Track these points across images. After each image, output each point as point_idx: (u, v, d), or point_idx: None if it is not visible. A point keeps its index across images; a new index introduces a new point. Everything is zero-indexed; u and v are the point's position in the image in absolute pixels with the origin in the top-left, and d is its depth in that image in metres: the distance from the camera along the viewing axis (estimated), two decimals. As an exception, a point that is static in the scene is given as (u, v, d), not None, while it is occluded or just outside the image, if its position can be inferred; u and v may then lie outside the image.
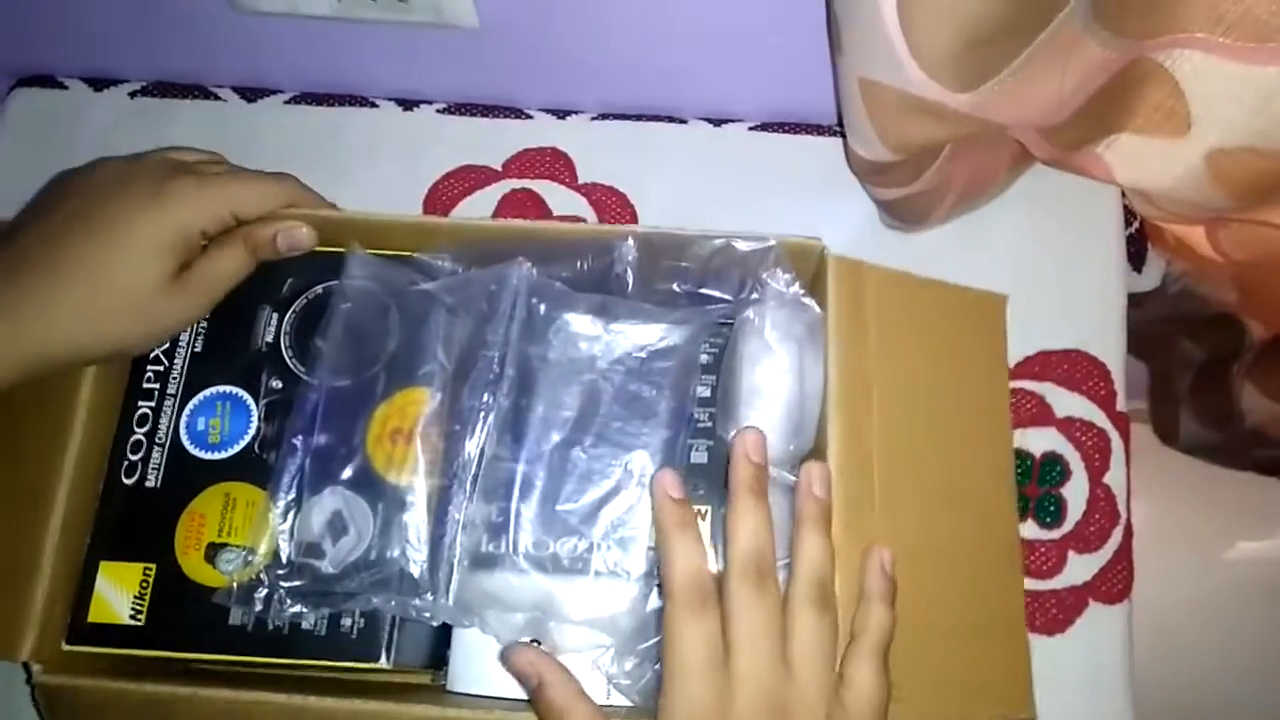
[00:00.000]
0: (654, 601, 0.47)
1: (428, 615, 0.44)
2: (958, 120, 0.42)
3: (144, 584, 0.46)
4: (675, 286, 0.48)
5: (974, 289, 0.51)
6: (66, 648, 0.45)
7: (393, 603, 0.44)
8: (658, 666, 0.44)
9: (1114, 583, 0.56)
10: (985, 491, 0.49)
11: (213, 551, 0.46)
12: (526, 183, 0.63)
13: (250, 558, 0.45)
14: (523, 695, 0.46)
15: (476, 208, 0.62)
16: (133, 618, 0.45)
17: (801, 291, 0.47)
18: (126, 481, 0.47)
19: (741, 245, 0.47)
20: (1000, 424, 0.50)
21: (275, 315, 0.50)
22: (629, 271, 0.48)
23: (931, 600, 0.45)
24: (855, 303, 0.48)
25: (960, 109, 0.41)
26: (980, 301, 0.52)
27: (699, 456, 0.48)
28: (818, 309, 0.47)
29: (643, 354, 0.49)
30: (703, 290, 0.48)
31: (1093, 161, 0.45)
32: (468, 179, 0.63)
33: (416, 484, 0.46)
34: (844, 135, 0.52)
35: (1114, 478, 0.58)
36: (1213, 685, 1.00)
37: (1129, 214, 0.62)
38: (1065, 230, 0.62)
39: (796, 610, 0.41)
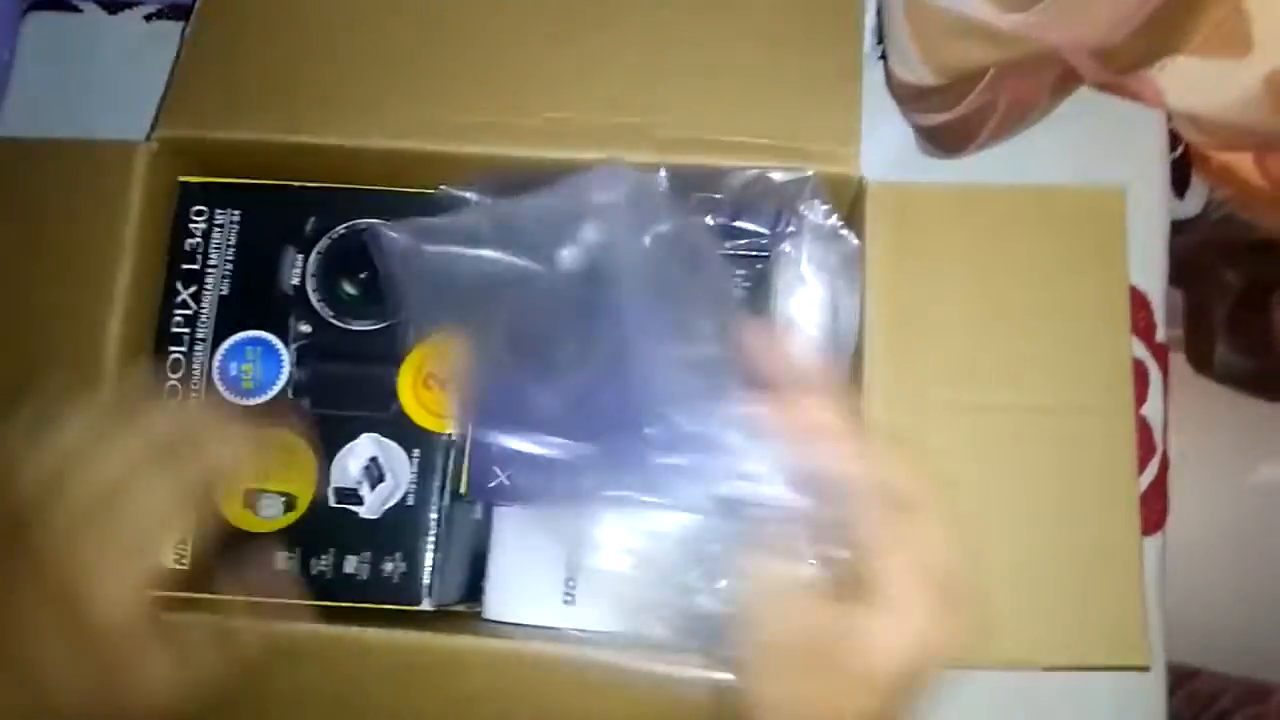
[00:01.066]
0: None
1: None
2: (1008, 42, 0.40)
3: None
4: (708, 220, 0.46)
5: (1081, 187, 0.47)
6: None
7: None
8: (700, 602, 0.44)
9: (1149, 515, 0.56)
10: (1092, 418, 0.45)
11: (252, 497, 0.46)
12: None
13: (290, 503, 0.46)
14: (555, 623, 0.47)
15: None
16: (177, 562, 0.46)
17: (839, 223, 0.45)
18: (163, 427, 0.47)
19: (777, 176, 0.46)
20: (1116, 338, 0.45)
21: (300, 256, 0.49)
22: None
23: (1032, 538, 0.44)
24: (899, 229, 0.46)
25: (1013, 30, 0.39)
26: (1088, 200, 0.47)
27: (735, 393, 0.48)
28: (855, 240, 0.46)
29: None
30: (736, 224, 0.47)
31: (1145, 85, 0.43)
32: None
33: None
34: (884, 58, 0.50)
35: (1151, 410, 0.57)
36: (1245, 614, 1.01)
37: (1173, 139, 0.60)
38: (1108, 156, 0.59)
39: None
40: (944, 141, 0.57)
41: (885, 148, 0.59)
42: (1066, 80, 0.56)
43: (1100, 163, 0.59)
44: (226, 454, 0.39)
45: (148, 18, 0.66)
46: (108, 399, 0.39)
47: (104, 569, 0.35)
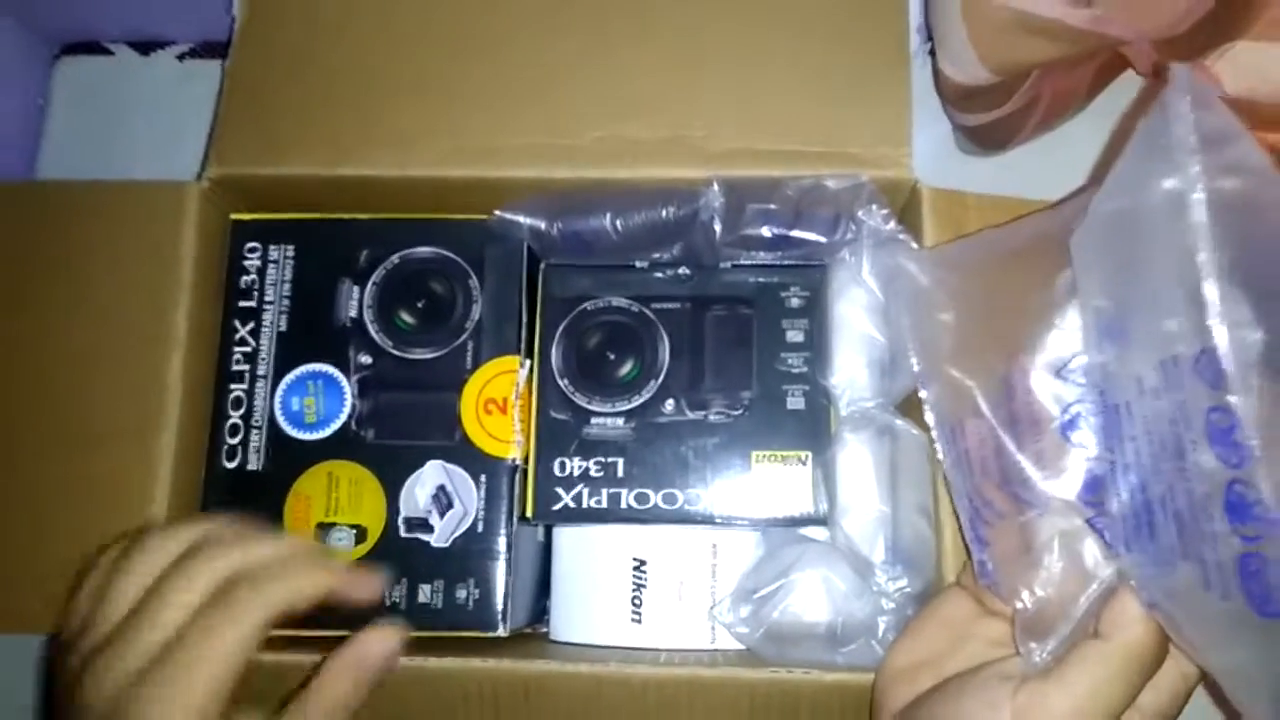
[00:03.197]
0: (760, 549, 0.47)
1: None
2: (1074, 37, 0.39)
3: (258, 566, 0.46)
4: (765, 231, 0.46)
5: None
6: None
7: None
8: (776, 615, 0.44)
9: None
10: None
11: (322, 531, 0.46)
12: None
13: (361, 535, 0.46)
14: (624, 642, 0.47)
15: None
16: (251, 600, 0.46)
17: (898, 228, 0.45)
18: (228, 465, 0.47)
19: (832, 184, 0.46)
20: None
21: (356, 288, 0.49)
22: (715, 219, 0.46)
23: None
24: (955, 235, 0.46)
25: (1080, 24, 0.38)
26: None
27: (795, 403, 0.47)
28: (914, 245, 0.46)
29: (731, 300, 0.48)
30: (794, 233, 0.46)
31: (1202, 73, 0.43)
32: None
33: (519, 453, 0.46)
34: (933, 57, 0.49)
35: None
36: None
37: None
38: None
39: None
40: (988, 139, 0.57)
41: (923, 147, 0.58)
42: (1106, 72, 0.56)
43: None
44: (288, 580, 0.35)
45: (180, 57, 0.67)
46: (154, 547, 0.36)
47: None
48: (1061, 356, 0.34)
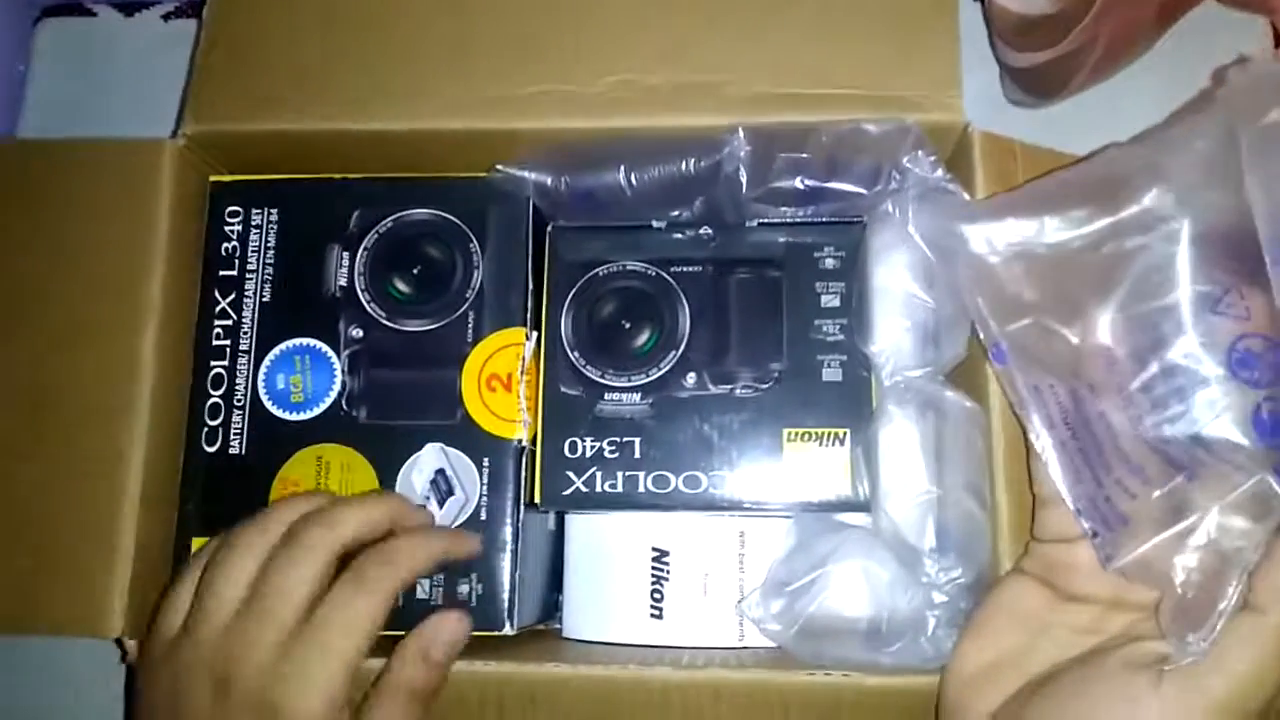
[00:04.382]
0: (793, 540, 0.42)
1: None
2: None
3: (241, 559, 0.42)
4: (798, 183, 0.41)
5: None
6: (169, 631, 0.42)
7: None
8: (812, 610, 0.40)
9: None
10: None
11: (311, 520, 0.42)
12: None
13: (352, 525, 0.42)
14: (644, 640, 0.43)
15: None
16: (235, 596, 0.42)
17: (947, 176, 0.40)
18: (208, 449, 0.43)
19: (872, 129, 0.41)
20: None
21: (346, 255, 0.44)
22: (741, 170, 0.42)
23: None
24: (1006, 187, 0.41)
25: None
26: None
27: (831, 374, 0.43)
28: (965, 196, 0.41)
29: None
30: (829, 185, 0.41)
31: None
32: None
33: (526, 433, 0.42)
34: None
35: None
36: None
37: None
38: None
39: None
40: (1040, 84, 0.52)
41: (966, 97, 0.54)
42: (1168, 9, 0.51)
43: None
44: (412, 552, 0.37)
45: (165, 17, 0.64)
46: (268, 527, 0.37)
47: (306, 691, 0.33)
48: (1208, 291, 0.30)
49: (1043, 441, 0.34)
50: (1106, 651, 0.32)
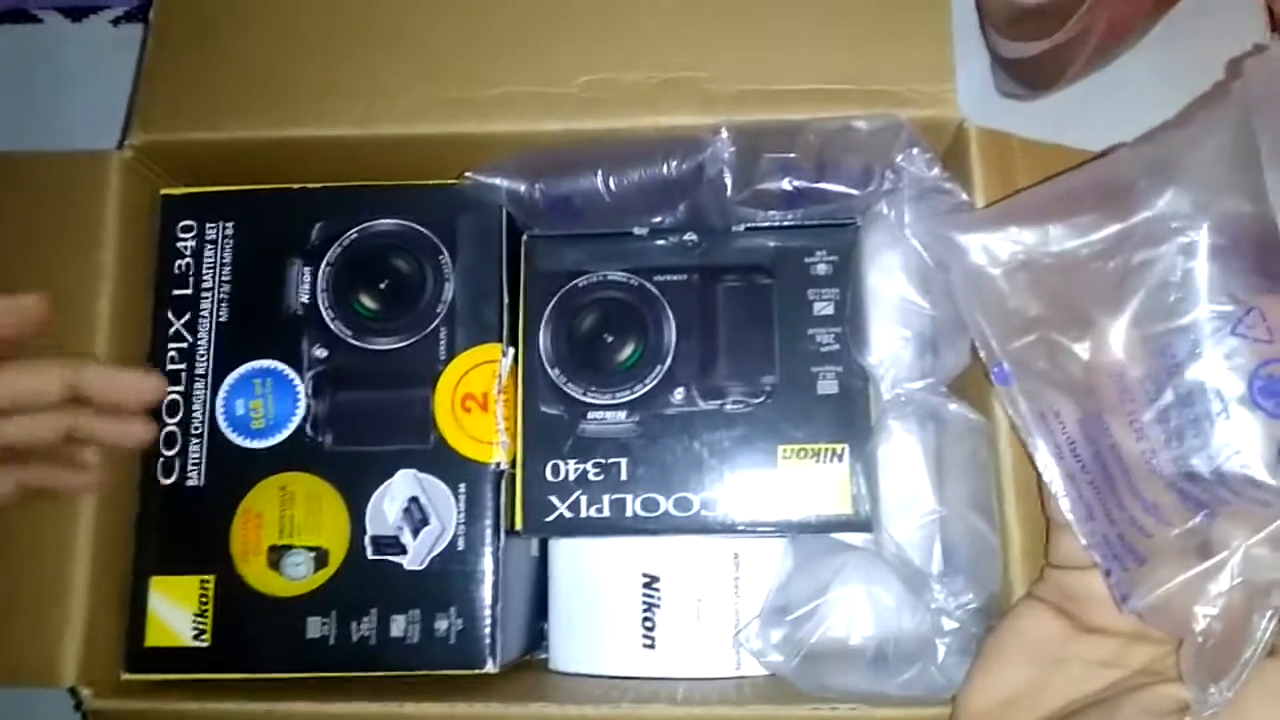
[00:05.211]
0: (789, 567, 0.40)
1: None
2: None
3: (203, 599, 0.39)
4: (786, 184, 0.39)
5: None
6: (125, 676, 0.40)
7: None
8: (814, 640, 0.37)
9: None
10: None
11: (276, 555, 0.39)
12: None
13: (321, 559, 0.39)
14: (636, 671, 0.40)
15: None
16: (196, 638, 0.39)
17: (944, 175, 0.38)
18: (164, 481, 0.41)
19: (862, 126, 0.39)
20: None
21: (307, 270, 0.42)
22: (725, 172, 0.39)
23: None
24: (1006, 185, 0.39)
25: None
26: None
27: (827, 386, 0.40)
28: (963, 195, 0.39)
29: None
30: (820, 185, 0.39)
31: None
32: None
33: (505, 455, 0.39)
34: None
35: None
36: None
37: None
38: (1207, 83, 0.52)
39: None
40: (1033, 76, 0.50)
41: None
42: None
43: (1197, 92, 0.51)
44: None
45: (115, 22, 0.61)
46: None
47: None
48: (1225, 312, 0.28)
49: (1050, 473, 0.32)
50: (1125, 695, 0.30)
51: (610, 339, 0.42)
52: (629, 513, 0.40)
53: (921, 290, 0.39)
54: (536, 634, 0.45)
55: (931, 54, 0.41)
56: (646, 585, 0.41)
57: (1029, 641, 0.33)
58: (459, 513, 0.39)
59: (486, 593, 0.39)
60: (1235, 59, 0.32)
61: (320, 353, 0.41)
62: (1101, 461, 0.30)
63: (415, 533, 0.39)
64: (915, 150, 0.38)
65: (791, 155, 0.39)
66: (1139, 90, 0.51)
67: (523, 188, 0.41)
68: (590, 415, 0.41)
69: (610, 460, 0.40)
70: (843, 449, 0.40)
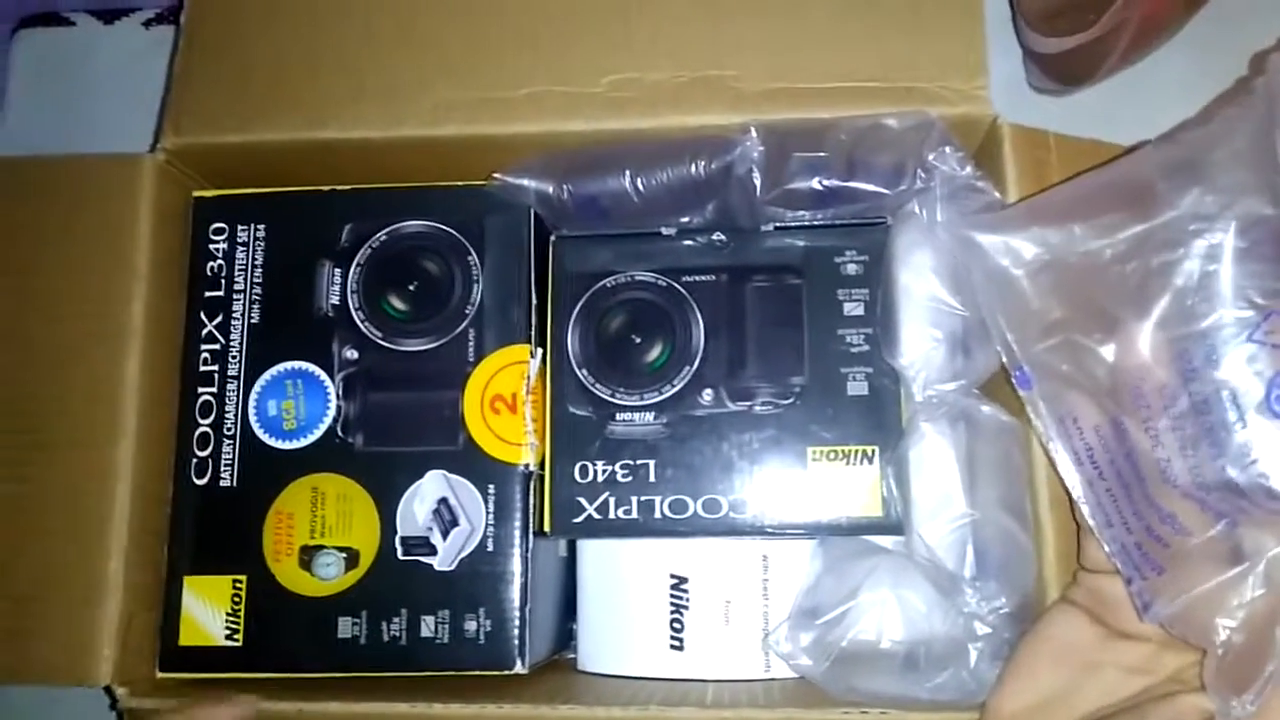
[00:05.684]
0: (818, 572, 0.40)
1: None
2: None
3: (236, 599, 0.40)
4: (815, 183, 0.39)
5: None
6: (160, 675, 0.40)
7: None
8: (845, 643, 0.37)
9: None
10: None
11: (307, 555, 0.40)
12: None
13: (352, 559, 0.39)
14: (664, 673, 0.40)
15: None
16: (229, 638, 0.40)
17: (976, 173, 0.37)
18: (198, 482, 0.41)
19: (893, 123, 0.38)
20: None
21: (338, 271, 0.42)
22: (754, 171, 0.39)
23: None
24: (1040, 181, 0.38)
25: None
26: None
27: (857, 387, 0.40)
28: (996, 194, 0.38)
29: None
30: (851, 184, 0.39)
31: None
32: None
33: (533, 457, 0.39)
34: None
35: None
36: None
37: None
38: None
39: None
40: (1068, 70, 0.49)
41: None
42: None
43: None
44: None
45: (146, 24, 0.62)
46: None
47: None
48: (1243, 318, 0.27)
49: (1071, 479, 0.31)
50: (1153, 703, 0.29)
51: (638, 340, 0.41)
52: (657, 514, 0.40)
53: (953, 290, 0.39)
54: (565, 634, 0.45)
55: (963, 50, 0.40)
56: (675, 586, 0.41)
57: (1061, 646, 0.32)
58: (488, 514, 0.39)
59: (515, 594, 0.39)
60: (1259, 54, 0.31)
61: (351, 354, 0.41)
62: (1117, 469, 0.29)
63: (445, 534, 0.39)
64: (947, 148, 0.37)
65: (821, 154, 0.39)
66: (1176, 84, 0.50)
67: (550, 188, 0.41)
68: (619, 416, 0.41)
69: (639, 462, 0.40)
70: (873, 451, 0.39)
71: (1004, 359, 0.34)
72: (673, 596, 0.41)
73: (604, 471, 0.40)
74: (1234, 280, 0.29)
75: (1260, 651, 0.26)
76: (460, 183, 0.43)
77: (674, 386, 0.41)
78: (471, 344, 0.41)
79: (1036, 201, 0.37)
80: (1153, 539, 0.28)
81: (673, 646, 0.41)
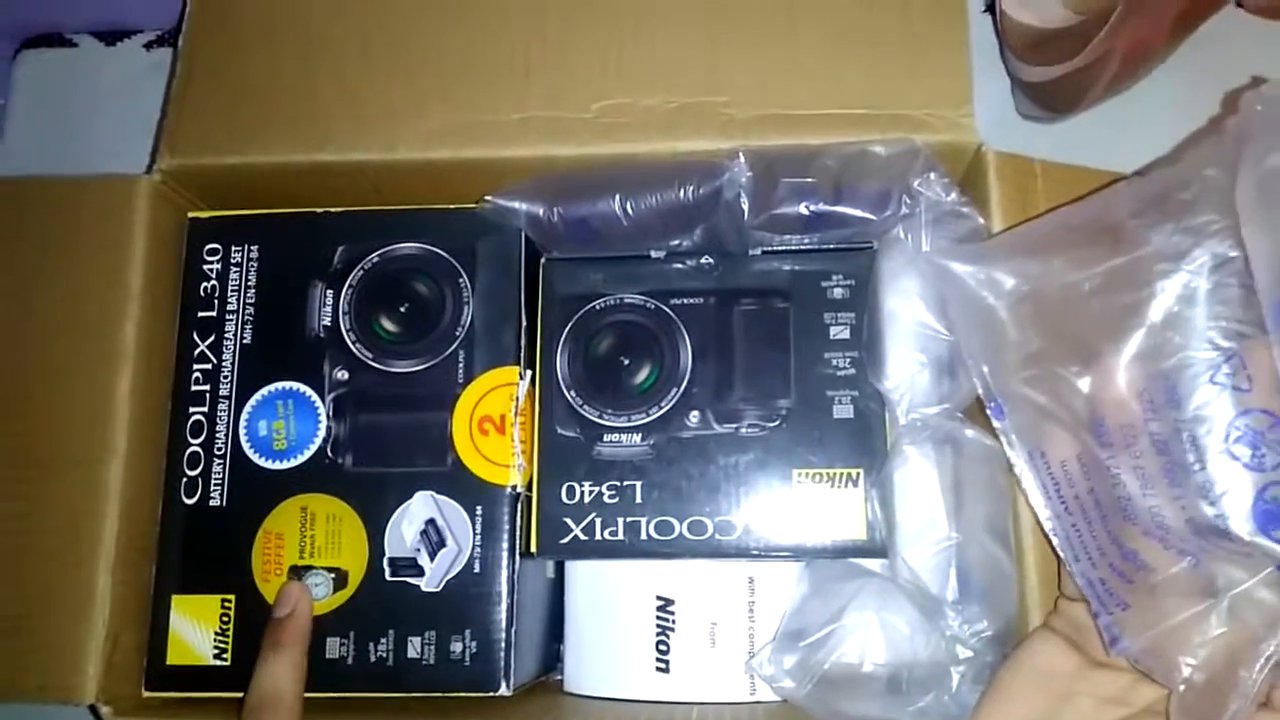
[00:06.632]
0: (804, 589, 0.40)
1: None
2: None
3: (224, 618, 0.40)
4: (802, 208, 0.39)
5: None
6: (146, 694, 0.40)
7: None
8: (828, 666, 0.37)
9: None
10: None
11: (296, 575, 0.40)
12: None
13: (340, 579, 0.39)
14: (649, 695, 0.40)
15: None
16: (217, 657, 0.40)
17: (961, 199, 0.38)
18: (187, 501, 0.41)
19: (880, 150, 0.39)
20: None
21: (329, 293, 0.42)
22: (743, 196, 0.39)
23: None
24: (1025, 209, 0.39)
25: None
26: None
27: (842, 411, 0.40)
28: (981, 220, 0.38)
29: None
30: (836, 210, 0.39)
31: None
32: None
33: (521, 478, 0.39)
34: (991, 10, 0.42)
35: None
36: None
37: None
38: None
39: None
40: (1055, 99, 0.49)
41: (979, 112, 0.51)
42: (1187, 16, 0.49)
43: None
44: None
45: (148, 46, 0.62)
46: None
47: None
48: (1205, 359, 0.27)
49: (1042, 512, 0.32)
50: None
51: (627, 362, 0.42)
52: (643, 535, 0.40)
53: (938, 315, 0.39)
54: (552, 655, 0.45)
55: (950, 79, 0.41)
56: (661, 608, 0.41)
57: (1040, 673, 0.32)
58: (475, 535, 0.40)
59: (501, 615, 0.39)
60: (1232, 92, 0.31)
61: (341, 375, 0.42)
62: (1082, 504, 0.30)
63: (433, 555, 0.39)
64: (932, 175, 0.38)
65: (809, 180, 0.39)
66: (1162, 112, 0.51)
67: (541, 211, 0.41)
68: (606, 438, 0.41)
69: (625, 483, 0.40)
70: (858, 474, 0.40)
71: (979, 390, 0.34)
72: (658, 618, 0.41)
73: (591, 493, 0.40)
74: (1199, 320, 0.29)
75: (1223, 690, 0.26)
76: (452, 205, 0.43)
77: (661, 408, 0.41)
78: (461, 365, 0.41)
79: (1016, 234, 0.37)
80: (1116, 575, 0.28)
81: (658, 668, 0.41)
